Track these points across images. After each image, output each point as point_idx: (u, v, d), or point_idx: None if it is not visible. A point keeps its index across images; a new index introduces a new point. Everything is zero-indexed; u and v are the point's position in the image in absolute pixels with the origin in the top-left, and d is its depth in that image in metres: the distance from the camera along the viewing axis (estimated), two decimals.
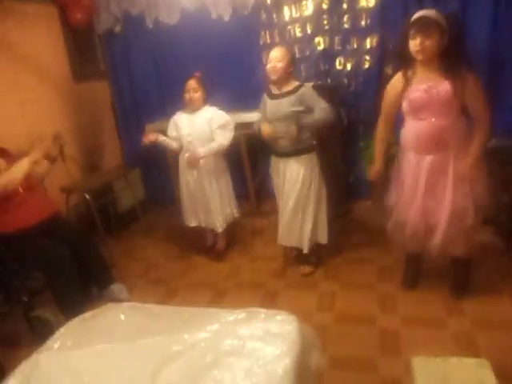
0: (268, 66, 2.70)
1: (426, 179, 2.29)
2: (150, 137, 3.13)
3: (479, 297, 2.47)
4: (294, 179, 2.77)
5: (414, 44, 2.14)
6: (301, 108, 2.65)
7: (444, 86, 2.15)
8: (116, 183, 4.00)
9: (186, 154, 3.09)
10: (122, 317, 1.50)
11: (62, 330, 1.52)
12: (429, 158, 2.26)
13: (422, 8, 3.17)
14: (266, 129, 2.75)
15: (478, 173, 2.24)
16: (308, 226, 2.84)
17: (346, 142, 3.70)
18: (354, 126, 3.70)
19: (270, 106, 2.78)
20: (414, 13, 2.91)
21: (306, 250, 2.89)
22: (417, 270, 2.67)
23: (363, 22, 3.51)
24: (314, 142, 2.81)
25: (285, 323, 1.41)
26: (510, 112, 3.16)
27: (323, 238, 2.93)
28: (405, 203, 2.40)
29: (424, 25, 2.11)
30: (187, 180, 3.18)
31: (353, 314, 2.49)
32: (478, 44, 3.10)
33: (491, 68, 3.17)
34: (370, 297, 2.62)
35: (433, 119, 2.21)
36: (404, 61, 2.27)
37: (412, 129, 2.30)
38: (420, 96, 2.20)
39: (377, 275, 2.84)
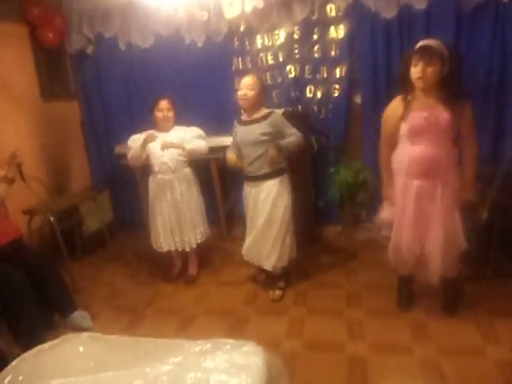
0: (239, 93, 2.72)
1: (414, 204, 2.34)
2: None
3: (445, 322, 2.49)
4: (266, 200, 2.78)
5: (416, 71, 2.22)
6: (271, 130, 2.69)
7: (443, 115, 2.23)
8: (83, 205, 3.89)
9: (159, 176, 3.08)
10: (81, 349, 1.43)
11: (14, 362, 1.43)
12: (416, 183, 2.33)
13: (388, 40, 3.37)
14: (230, 157, 2.81)
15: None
16: (276, 246, 2.83)
17: (316, 167, 3.76)
18: (323, 152, 3.77)
19: (240, 132, 2.81)
20: (382, 47, 3.07)
21: (269, 268, 2.88)
22: (410, 292, 2.70)
23: (333, 52, 3.62)
24: (285, 165, 2.83)
25: (251, 354, 1.38)
26: None
27: (284, 260, 2.91)
28: (397, 226, 2.45)
29: (426, 53, 2.19)
30: (160, 203, 3.13)
31: (321, 341, 2.47)
32: None
33: None
34: (339, 323, 2.60)
35: (427, 146, 2.28)
36: (404, 87, 2.33)
37: (405, 153, 2.35)
38: (420, 122, 2.25)
39: (345, 301, 2.84)
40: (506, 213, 2.83)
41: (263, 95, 2.77)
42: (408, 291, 2.70)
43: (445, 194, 2.31)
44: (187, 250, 3.23)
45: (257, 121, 2.73)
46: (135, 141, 3.09)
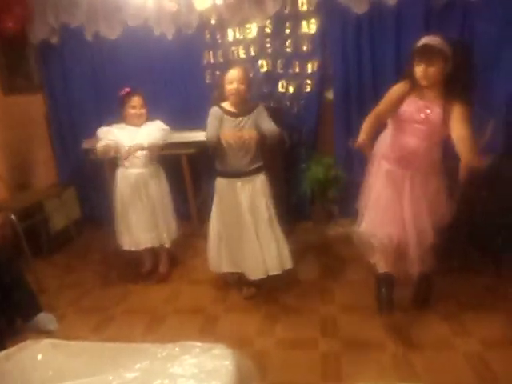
0: (230, 87, 2.60)
1: (385, 187, 2.35)
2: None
3: (414, 316, 2.52)
4: (261, 196, 2.73)
5: (419, 70, 2.20)
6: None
7: (436, 110, 2.21)
8: (48, 202, 3.75)
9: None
10: (40, 357, 1.35)
11: None
12: (387, 167, 2.34)
13: (359, 36, 3.37)
14: (227, 133, 2.64)
15: (441, 194, 2.34)
16: (284, 247, 2.80)
17: (288, 163, 3.73)
18: (295, 147, 3.75)
19: (231, 123, 2.66)
20: (353, 42, 3.00)
21: (278, 272, 2.77)
22: (390, 293, 2.55)
23: (305, 47, 3.60)
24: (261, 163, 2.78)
25: (221, 358, 1.33)
26: None
27: (289, 263, 2.83)
28: (370, 209, 2.42)
29: (427, 53, 2.16)
30: (133, 197, 3.02)
31: (294, 339, 2.46)
32: None
33: None
34: (312, 320, 2.60)
35: (411, 136, 2.27)
36: (410, 79, 2.28)
37: (388, 136, 2.35)
38: (411, 110, 2.24)
39: (318, 297, 2.84)
40: (473, 207, 2.89)
41: (250, 87, 2.72)
42: (388, 292, 2.53)
43: (415, 187, 2.31)
44: (167, 246, 3.16)
45: (248, 112, 2.66)
46: (105, 132, 2.97)
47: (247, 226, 2.73)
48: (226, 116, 2.68)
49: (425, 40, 2.22)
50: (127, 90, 2.96)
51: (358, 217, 2.52)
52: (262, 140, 2.70)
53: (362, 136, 2.19)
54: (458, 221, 2.77)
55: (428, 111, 2.24)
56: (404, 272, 2.46)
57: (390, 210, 2.37)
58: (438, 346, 2.28)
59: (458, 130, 2.13)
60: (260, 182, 2.75)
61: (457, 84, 2.20)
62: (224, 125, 2.67)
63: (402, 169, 2.32)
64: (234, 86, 2.59)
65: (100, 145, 2.90)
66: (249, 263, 2.78)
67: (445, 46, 2.19)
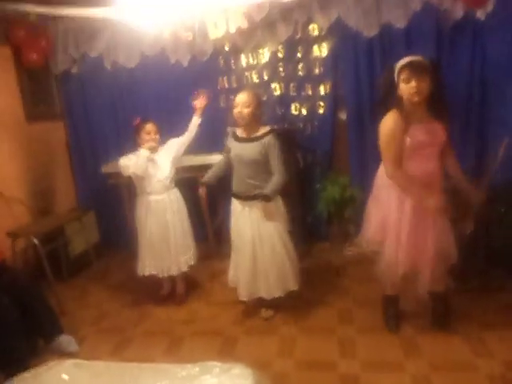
0: (235, 111, 2.68)
1: (411, 220, 2.32)
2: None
3: (434, 338, 2.49)
4: (262, 222, 2.72)
5: (410, 87, 2.22)
6: (264, 159, 2.67)
7: (440, 129, 2.28)
8: (68, 226, 3.83)
9: (159, 196, 3.06)
10: (65, 376, 1.38)
11: None
12: (417, 201, 2.30)
13: (371, 58, 3.43)
14: (202, 192, 2.91)
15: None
16: (283, 271, 2.79)
17: (303, 184, 3.77)
18: (310, 168, 3.79)
19: (237, 149, 2.74)
20: (364, 65, 3.06)
21: (282, 294, 2.81)
22: (398, 312, 2.67)
23: (317, 70, 3.68)
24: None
25: (240, 377, 1.35)
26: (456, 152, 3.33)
27: (294, 284, 2.86)
28: (391, 243, 2.39)
29: (418, 68, 2.22)
30: (151, 224, 3.08)
31: (313, 360, 2.44)
32: None
33: None
34: (330, 341, 2.58)
35: (423, 161, 2.30)
36: (391, 104, 2.31)
37: (412, 169, 2.31)
38: (424, 137, 2.26)
39: (336, 318, 2.82)
40: (491, 225, 2.86)
41: (259, 111, 2.72)
42: (395, 311, 2.67)
43: (437, 208, 2.33)
44: (175, 274, 3.18)
45: (255, 139, 2.69)
46: (127, 159, 3.04)
47: (247, 248, 2.78)
48: (233, 142, 2.79)
49: (410, 58, 2.27)
50: (138, 119, 3.07)
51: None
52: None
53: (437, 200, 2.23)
54: (475, 239, 2.76)
55: (434, 132, 2.28)
56: (413, 293, 2.46)
57: (412, 243, 2.34)
58: (459, 367, 2.25)
59: (451, 157, 2.37)
60: (265, 206, 2.70)
61: (443, 99, 2.27)
62: (232, 150, 2.78)
63: (429, 195, 2.28)
64: (238, 109, 2.66)
65: (135, 164, 2.97)
66: (241, 283, 2.85)
67: (426, 62, 2.25)
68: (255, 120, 2.70)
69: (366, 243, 2.51)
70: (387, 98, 2.34)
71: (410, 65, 2.24)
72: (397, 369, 2.28)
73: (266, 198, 2.62)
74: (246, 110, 2.65)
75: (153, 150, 3.06)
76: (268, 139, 2.66)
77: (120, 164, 3.03)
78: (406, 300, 2.70)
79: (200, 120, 3.20)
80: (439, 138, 2.29)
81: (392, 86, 2.30)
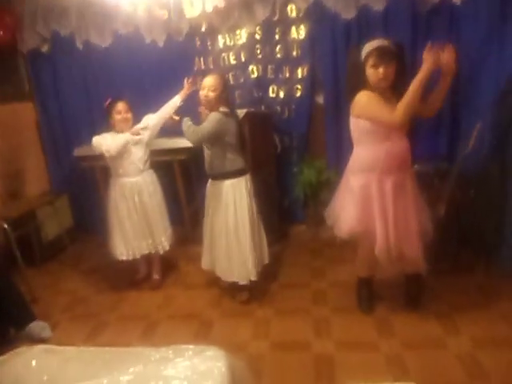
0: (201, 94, 2.68)
1: (393, 199, 2.32)
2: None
3: (407, 317, 2.55)
4: (226, 203, 2.72)
5: (377, 73, 2.22)
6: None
7: None
8: (40, 210, 3.74)
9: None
10: (34, 363, 1.35)
11: None
12: (392, 179, 2.32)
13: (348, 41, 3.41)
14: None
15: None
16: (252, 254, 2.75)
17: (280, 167, 3.76)
18: (287, 151, 3.78)
19: None
20: (341, 47, 3.02)
21: (254, 278, 2.79)
22: (371, 293, 2.71)
23: (294, 53, 3.63)
24: (243, 166, 2.78)
25: (213, 360, 1.35)
26: (429, 138, 3.38)
27: (265, 258, 2.92)
28: (381, 228, 2.35)
29: (385, 54, 2.21)
30: (128, 206, 3.03)
31: (288, 341, 2.47)
32: None
33: None
34: (305, 322, 2.62)
35: (397, 141, 2.31)
36: (359, 87, 2.30)
37: (380, 149, 2.31)
38: None
39: (311, 300, 2.86)
40: (462, 208, 2.93)
41: (224, 94, 2.71)
42: (368, 293, 2.71)
43: (413, 185, 2.37)
44: (161, 252, 3.16)
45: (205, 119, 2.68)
46: (100, 139, 2.95)
47: (218, 228, 2.79)
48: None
49: (377, 43, 2.25)
50: (109, 99, 2.99)
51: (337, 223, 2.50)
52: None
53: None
54: (447, 222, 2.82)
55: None
56: (396, 272, 2.51)
57: (378, 221, 2.34)
58: (430, 345, 2.31)
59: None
60: (229, 185, 2.72)
61: (404, 81, 2.26)
62: None
63: (400, 174, 2.34)
64: (205, 92, 2.65)
65: (109, 146, 2.90)
66: (218, 265, 2.85)
67: (393, 46, 2.25)
68: (217, 103, 2.68)
69: (345, 234, 2.45)
70: (355, 79, 2.33)
71: (377, 51, 2.23)
72: (371, 348, 2.33)
73: (223, 174, 2.70)
74: (212, 94, 2.64)
75: (124, 130, 2.99)
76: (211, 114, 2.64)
77: (93, 142, 2.95)
78: (381, 281, 2.74)
79: (180, 103, 3.13)
80: None
81: (359, 68, 2.29)
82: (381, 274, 2.71)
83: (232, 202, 2.72)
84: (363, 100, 2.28)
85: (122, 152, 2.95)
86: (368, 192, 2.36)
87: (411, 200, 2.37)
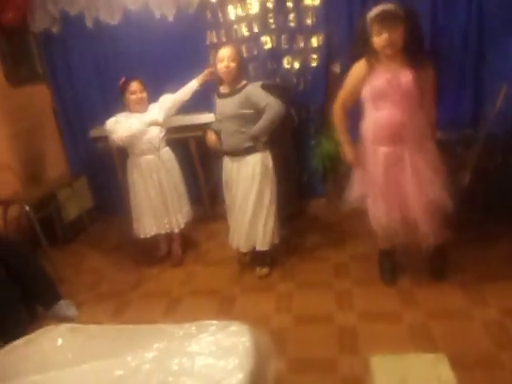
0: (220, 66, 2.60)
1: (384, 172, 2.29)
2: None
3: (431, 288, 2.51)
4: (250, 179, 2.70)
5: (381, 39, 2.14)
6: (250, 111, 2.61)
7: (406, 76, 2.18)
8: (60, 192, 3.78)
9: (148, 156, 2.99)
10: (60, 341, 1.37)
11: None
12: (383, 150, 2.27)
13: (364, 7, 3.26)
14: (210, 138, 2.76)
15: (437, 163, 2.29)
16: (270, 225, 2.78)
17: (297, 140, 3.68)
18: (304, 124, 3.69)
19: (219, 105, 2.73)
20: (357, 14, 2.93)
21: (267, 248, 2.81)
22: (393, 265, 2.68)
23: (309, 21, 3.50)
24: (265, 140, 2.74)
25: (237, 335, 1.34)
26: (452, 104, 3.25)
27: (276, 238, 2.88)
28: (372, 196, 2.39)
29: (389, 20, 2.11)
30: (145, 184, 3.03)
31: (311, 314, 2.47)
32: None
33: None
34: (327, 295, 2.60)
35: (392, 110, 2.22)
36: (367, 52, 2.25)
37: (370, 119, 2.30)
38: (382, 84, 2.20)
39: (333, 273, 2.84)
40: (488, 176, 2.83)
41: (243, 66, 2.68)
42: (390, 265, 2.67)
43: (415, 159, 2.26)
44: (176, 231, 3.16)
45: (235, 92, 2.63)
46: (113, 123, 2.95)
47: (238, 203, 2.78)
48: (217, 99, 2.73)
49: (381, 7, 2.15)
50: (123, 78, 2.96)
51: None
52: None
53: (349, 154, 2.29)
54: (472, 190, 2.73)
55: (397, 80, 2.19)
56: (416, 244, 2.44)
57: (392, 195, 2.31)
58: (455, 315, 2.28)
59: (427, 98, 2.24)
60: (253, 161, 2.70)
61: (418, 47, 2.19)
62: (217, 108, 2.75)
63: (398, 145, 2.26)
64: (225, 63, 2.58)
65: (120, 136, 2.91)
66: (237, 237, 2.86)
67: (401, 10, 2.14)
68: (239, 75, 2.64)
69: (352, 200, 2.46)
70: (360, 47, 2.28)
71: (380, 16, 2.13)
72: (394, 319, 2.31)
73: (252, 147, 2.65)
74: (233, 64, 2.58)
75: (138, 110, 2.96)
76: (249, 88, 2.63)
77: (106, 126, 2.95)
78: (403, 252, 2.69)
79: (197, 88, 3.09)
80: (403, 86, 2.19)
81: (365, 35, 2.21)
82: (400, 246, 2.64)
83: (259, 173, 2.70)
84: (351, 72, 2.34)
85: (134, 138, 2.93)
86: (363, 162, 2.37)
87: (411, 174, 2.26)
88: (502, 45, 3.03)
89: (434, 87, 2.26)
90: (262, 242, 2.80)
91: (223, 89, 2.73)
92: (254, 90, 2.64)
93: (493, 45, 3.06)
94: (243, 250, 2.88)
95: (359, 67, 2.30)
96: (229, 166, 2.81)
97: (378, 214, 2.38)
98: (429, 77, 2.22)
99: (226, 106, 2.67)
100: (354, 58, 2.34)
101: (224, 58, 2.58)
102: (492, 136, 2.75)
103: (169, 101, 3.06)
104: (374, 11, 2.17)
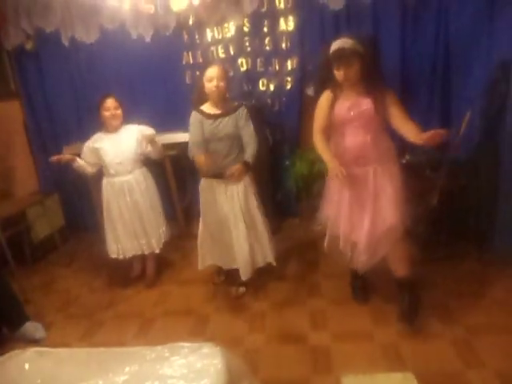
0: (210, 86, 2.58)
1: (350, 194, 2.36)
2: (64, 157, 2.95)
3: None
4: (243, 199, 2.70)
5: (339, 74, 2.26)
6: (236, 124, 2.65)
7: (367, 103, 2.28)
8: (30, 210, 3.69)
9: (118, 178, 2.98)
10: (27, 366, 1.33)
11: None
12: (349, 172, 2.29)
13: (337, 32, 3.38)
14: (201, 159, 2.58)
15: (399, 188, 2.33)
16: (270, 237, 2.84)
17: (272, 161, 3.74)
18: (278, 145, 3.75)
19: (209, 126, 2.64)
20: (330, 39, 3.03)
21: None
22: (365, 284, 2.72)
23: (284, 45, 3.61)
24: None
25: (209, 357, 1.34)
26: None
27: (271, 257, 2.86)
28: (335, 218, 2.46)
29: (344, 57, 2.21)
30: (119, 205, 3.00)
31: (284, 334, 2.47)
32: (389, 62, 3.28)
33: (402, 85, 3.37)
34: (301, 314, 2.62)
35: (355, 135, 2.31)
36: (329, 83, 2.36)
37: (337, 143, 2.39)
38: (344, 111, 2.30)
39: (306, 292, 2.86)
40: (454, 198, 2.94)
41: (229, 85, 2.71)
42: (362, 283, 2.71)
43: (379, 181, 2.33)
44: (156, 251, 3.14)
45: (229, 112, 2.64)
46: (85, 151, 3.01)
47: (230, 226, 2.74)
48: (205, 120, 2.66)
49: (338, 44, 2.26)
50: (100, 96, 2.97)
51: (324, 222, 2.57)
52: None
53: (336, 165, 2.22)
54: (440, 211, 2.83)
55: (358, 107, 2.30)
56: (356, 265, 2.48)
57: (354, 215, 2.38)
58: (425, 334, 2.32)
59: (398, 113, 2.27)
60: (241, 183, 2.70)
61: (376, 74, 2.29)
62: (204, 129, 2.65)
63: (362, 167, 2.34)
64: (214, 83, 2.57)
65: (78, 165, 3.00)
66: (225, 256, 2.84)
67: (357, 45, 2.24)
68: (227, 94, 2.67)
69: (323, 220, 2.55)
70: (324, 77, 2.40)
71: (337, 54, 2.24)
72: (366, 338, 2.34)
73: (247, 166, 2.64)
74: (222, 84, 2.60)
75: (113, 127, 2.96)
76: (241, 111, 2.66)
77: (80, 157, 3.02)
78: (375, 272, 2.73)
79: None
80: (364, 113, 2.29)
81: (327, 67, 2.33)
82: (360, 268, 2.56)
83: (250, 191, 2.74)
84: (318, 104, 2.43)
85: (97, 157, 2.99)
86: (329, 183, 2.47)
87: (371, 194, 2.32)
88: (466, 71, 3.18)
89: (400, 104, 2.32)
90: (272, 256, 2.83)
91: (210, 109, 2.67)
92: (245, 115, 2.66)
93: (459, 72, 3.22)
94: (245, 271, 2.76)
95: (324, 99, 2.40)
96: (213, 185, 2.74)
97: (337, 236, 2.45)
98: (390, 98, 2.29)
99: (220, 126, 2.63)
100: (319, 89, 2.46)
101: (213, 77, 2.57)
102: (456, 159, 2.87)
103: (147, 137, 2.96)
104: (333, 47, 2.27)
